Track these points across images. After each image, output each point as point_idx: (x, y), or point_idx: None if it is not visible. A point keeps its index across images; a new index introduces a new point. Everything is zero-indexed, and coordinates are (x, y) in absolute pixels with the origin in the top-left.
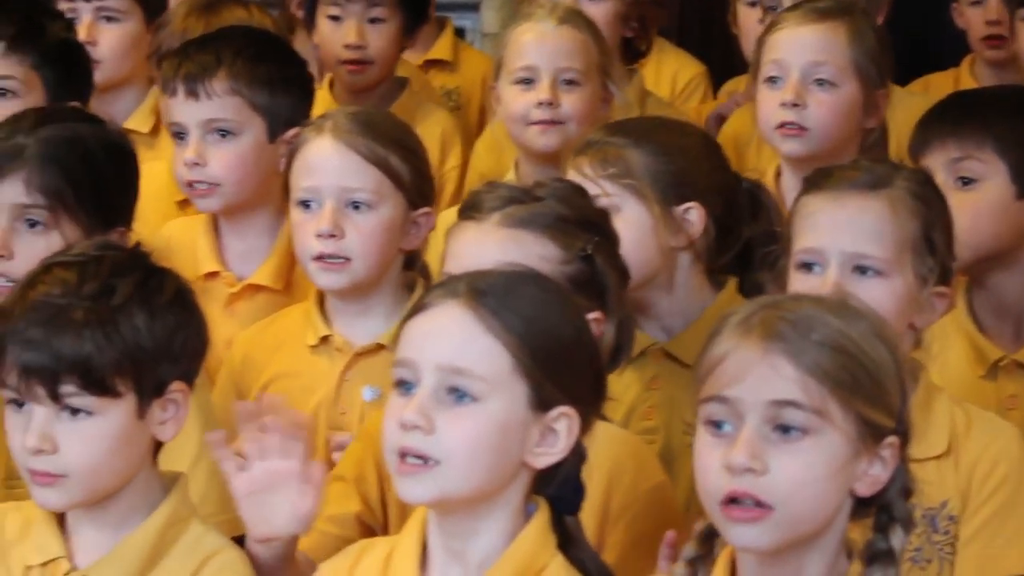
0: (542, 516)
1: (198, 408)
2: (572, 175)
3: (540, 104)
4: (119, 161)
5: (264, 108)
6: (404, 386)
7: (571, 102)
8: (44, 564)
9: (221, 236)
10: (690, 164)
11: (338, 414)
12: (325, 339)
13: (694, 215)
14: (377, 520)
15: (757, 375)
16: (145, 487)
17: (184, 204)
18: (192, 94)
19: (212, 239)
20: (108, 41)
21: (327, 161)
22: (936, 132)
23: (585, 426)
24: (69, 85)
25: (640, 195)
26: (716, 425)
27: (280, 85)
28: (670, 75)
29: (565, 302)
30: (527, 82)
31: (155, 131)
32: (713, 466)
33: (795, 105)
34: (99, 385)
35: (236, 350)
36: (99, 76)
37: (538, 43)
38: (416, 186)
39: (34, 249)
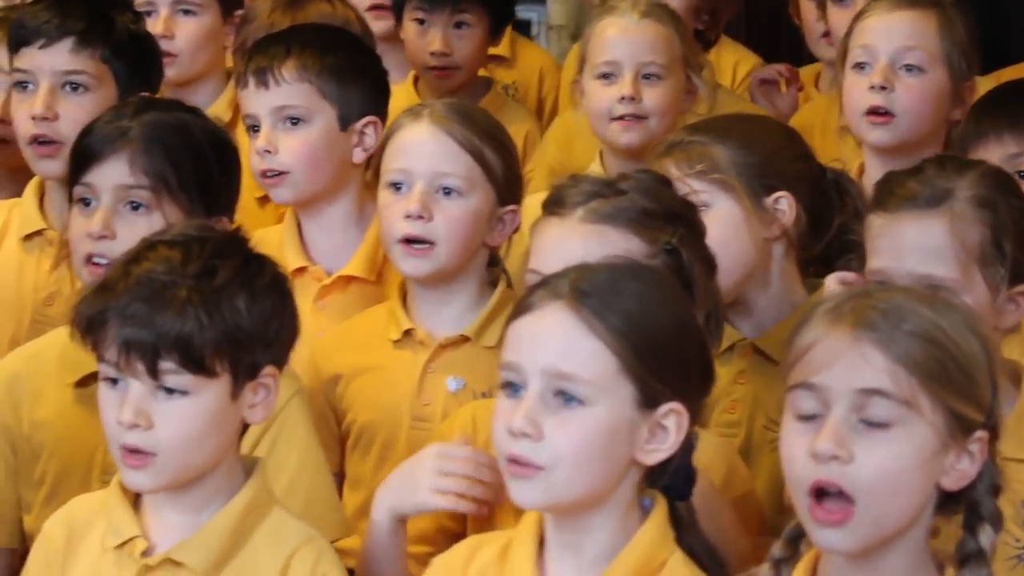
0: (660, 512)
1: (302, 410)
2: None
3: (622, 99)
4: (221, 151)
5: (334, 97)
6: (511, 388)
7: (653, 96)
8: (120, 545)
9: (305, 232)
10: (774, 154)
11: (422, 405)
12: (408, 333)
13: (784, 204)
14: (459, 525)
15: (846, 363)
16: (228, 472)
17: (264, 200)
18: (262, 83)
19: (296, 236)
20: (184, 35)
21: (422, 144)
22: (991, 125)
23: (694, 418)
24: (139, 77)
25: (729, 189)
26: (803, 413)
27: (351, 75)
28: (730, 67)
29: (670, 293)
30: (609, 76)
31: (232, 124)
32: (799, 454)
33: (883, 88)
34: (197, 364)
35: (320, 350)
36: (176, 70)
37: (620, 37)
38: (506, 182)
39: (136, 231)
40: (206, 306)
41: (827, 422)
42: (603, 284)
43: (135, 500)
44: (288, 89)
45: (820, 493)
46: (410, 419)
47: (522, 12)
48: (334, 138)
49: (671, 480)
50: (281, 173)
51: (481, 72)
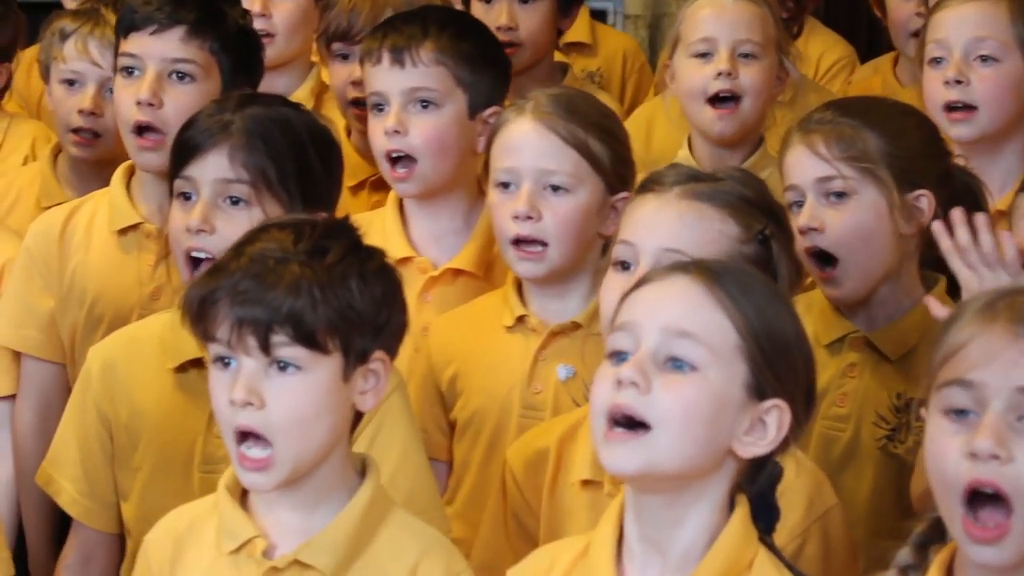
0: (743, 508)
1: (403, 404)
2: (800, 151)
3: (719, 75)
4: (324, 147)
5: (467, 82)
6: (619, 356)
7: (749, 75)
8: (238, 549)
9: (410, 220)
10: (921, 149)
11: (532, 393)
12: (521, 319)
13: (924, 203)
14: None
15: (1005, 360)
16: (341, 466)
17: (357, 189)
18: (398, 62)
19: (400, 224)
20: (282, 13)
21: (527, 143)
22: None
23: (795, 428)
24: (243, 72)
25: (878, 180)
26: (957, 412)
27: (481, 61)
28: (816, 55)
29: (787, 302)
30: (705, 55)
31: (315, 111)
32: (952, 454)
33: (958, 82)
34: (310, 338)
35: (433, 333)
36: (273, 51)
37: (716, 16)
38: (615, 170)
39: (235, 225)
40: (319, 282)
41: (985, 420)
42: (729, 271)
43: (242, 500)
44: (424, 71)
45: (974, 498)
46: (520, 407)
47: (597, 2)
48: (462, 125)
49: (755, 510)
50: (409, 157)
51: (562, 58)
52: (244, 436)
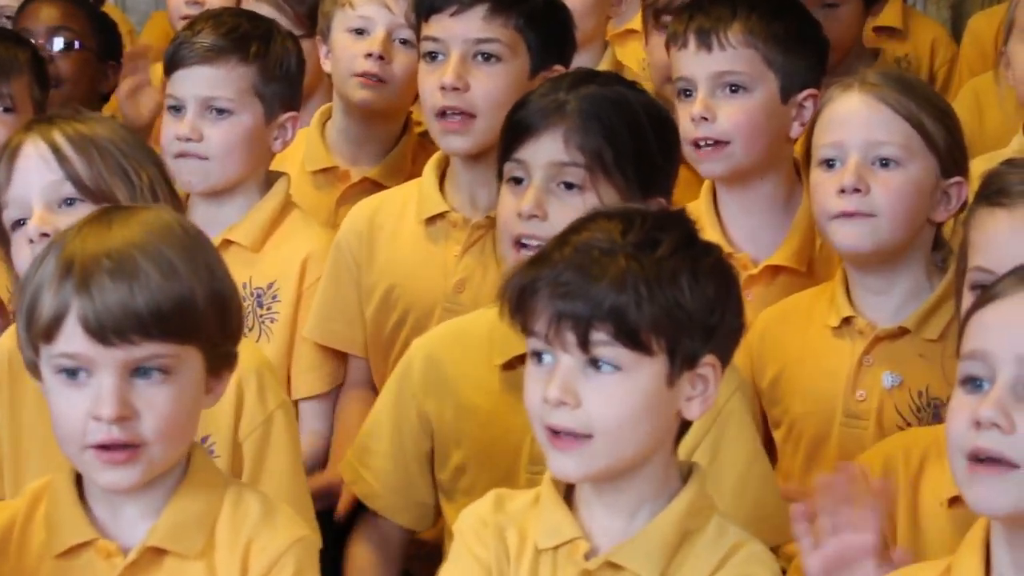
0: None
1: (746, 407)
2: None
3: None
4: (662, 128)
5: (778, 65)
6: (973, 382)
7: None
8: (557, 547)
9: (724, 212)
10: None
11: (856, 401)
12: (847, 320)
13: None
14: None
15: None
16: (663, 473)
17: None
18: (704, 46)
19: (716, 218)
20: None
21: (855, 114)
22: None
23: None
24: (554, 48)
25: None
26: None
27: (795, 42)
28: None
29: None
30: None
31: None
32: None
33: None
34: (632, 337)
35: (756, 328)
36: None
37: None
38: (950, 153)
39: (568, 211)
40: (646, 278)
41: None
42: None
43: (567, 499)
44: (732, 54)
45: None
46: (842, 415)
47: None
48: (774, 110)
49: None
50: (718, 143)
51: (872, 44)
52: (558, 433)
